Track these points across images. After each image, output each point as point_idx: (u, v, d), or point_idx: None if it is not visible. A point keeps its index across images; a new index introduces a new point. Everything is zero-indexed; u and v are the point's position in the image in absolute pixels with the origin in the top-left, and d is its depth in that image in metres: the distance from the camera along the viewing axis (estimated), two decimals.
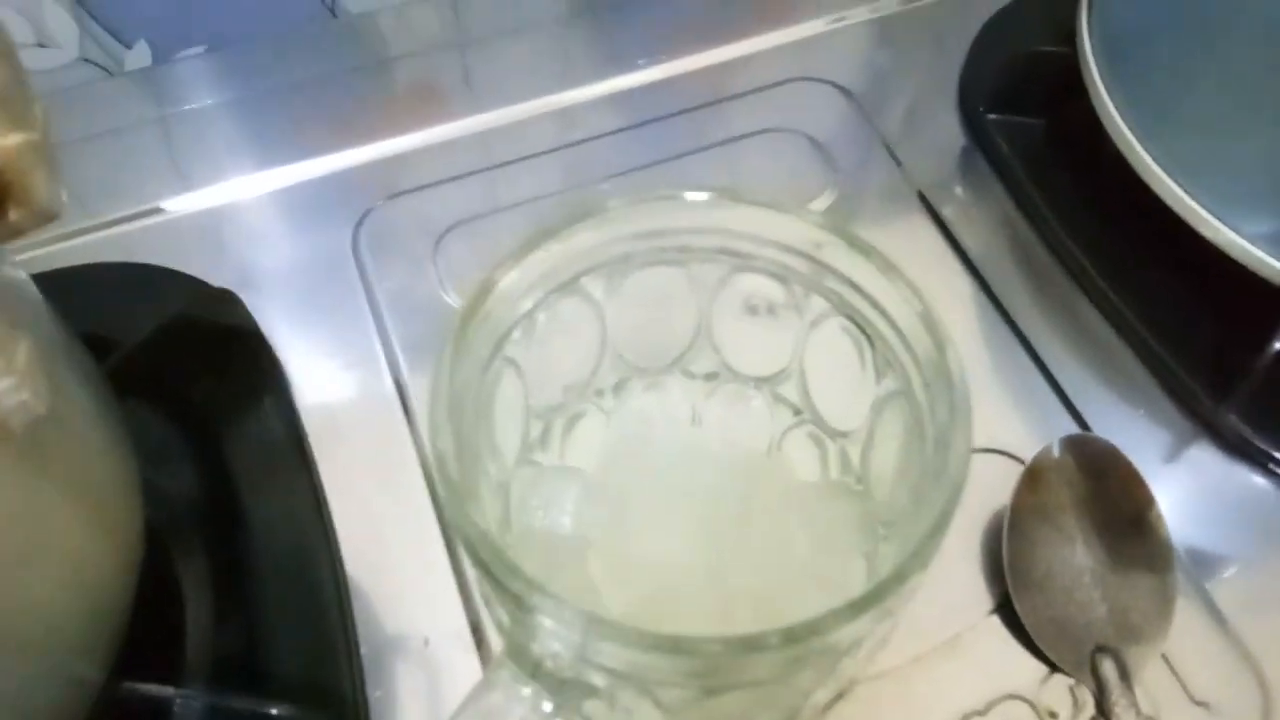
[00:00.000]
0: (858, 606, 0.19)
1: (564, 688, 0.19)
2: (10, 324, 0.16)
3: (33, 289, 0.25)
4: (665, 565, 0.26)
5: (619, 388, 0.28)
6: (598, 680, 0.19)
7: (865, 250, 0.23)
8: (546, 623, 0.18)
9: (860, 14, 0.49)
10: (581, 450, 0.28)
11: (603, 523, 0.27)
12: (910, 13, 0.49)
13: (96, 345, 0.31)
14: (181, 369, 0.35)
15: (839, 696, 0.25)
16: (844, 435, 0.27)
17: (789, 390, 0.28)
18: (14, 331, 0.17)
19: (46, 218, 0.21)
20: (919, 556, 0.19)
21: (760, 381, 0.29)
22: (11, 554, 0.22)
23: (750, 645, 0.18)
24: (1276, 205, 0.33)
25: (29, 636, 0.23)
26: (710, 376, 0.29)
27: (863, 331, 0.24)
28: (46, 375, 0.18)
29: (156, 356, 0.34)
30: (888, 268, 0.23)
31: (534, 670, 0.19)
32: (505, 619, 0.20)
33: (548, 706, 0.19)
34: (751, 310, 0.26)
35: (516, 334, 0.24)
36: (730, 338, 0.28)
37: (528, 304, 0.24)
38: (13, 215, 0.20)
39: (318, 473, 0.34)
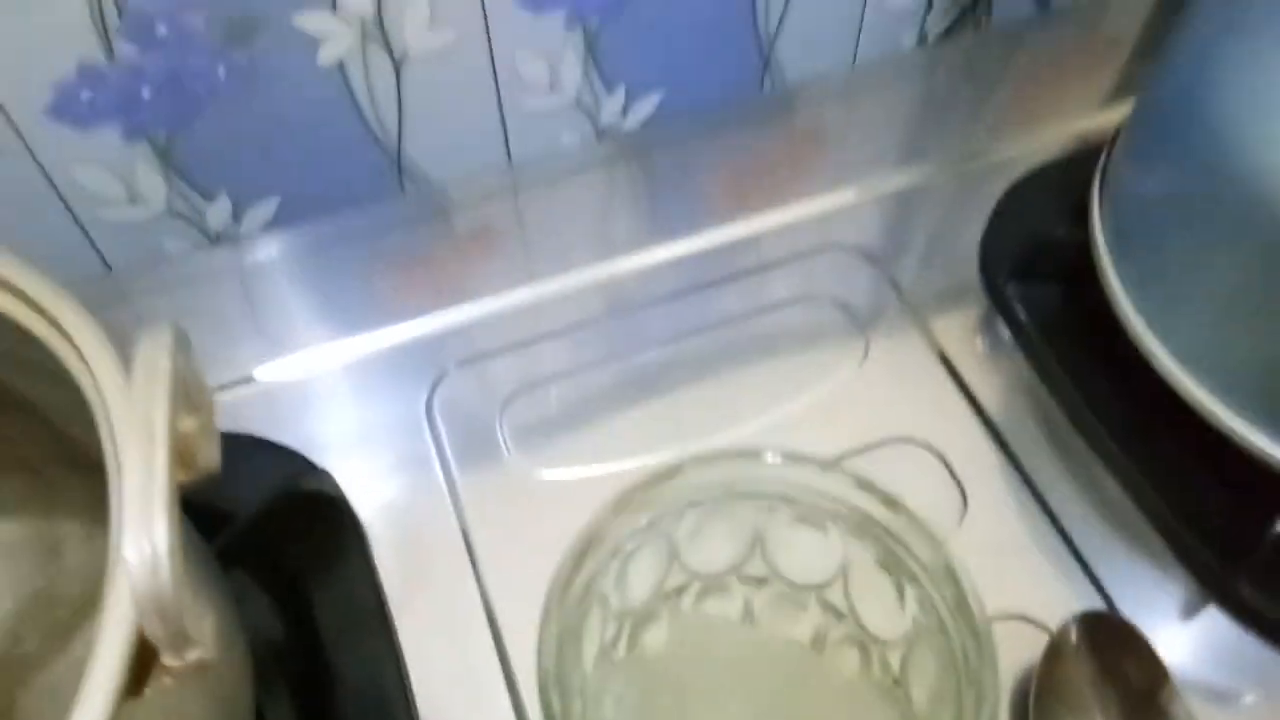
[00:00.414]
0: None
1: None
2: (201, 607, 0.20)
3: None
4: None
5: (682, 590, 0.32)
6: None
7: (894, 505, 0.27)
8: None
9: (888, 185, 0.53)
10: (649, 646, 0.31)
11: (666, 710, 0.30)
12: (934, 185, 0.53)
13: (202, 512, 0.35)
14: (273, 535, 0.39)
15: None
16: (885, 643, 0.30)
17: (835, 596, 0.31)
18: (206, 613, 0.20)
19: (207, 474, 0.24)
20: None
21: (808, 587, 0.32)
22: None
23: None
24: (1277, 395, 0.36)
25: None
26: (761, 581, 0.32)
27: (900, 570, 0.28)
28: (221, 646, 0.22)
29: (262, 530, 0.38)
30: (914, 522, 0.27)
31: None
32: None
33: None
34: (803, 520, 0.30)
35: (608, 575, 0.28)
36: (783, 546, 0.31)
37: (615, 550, 0.28)
38: (183, 477, 0.23)
39: (396, 633, 0.37)
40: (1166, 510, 0.39)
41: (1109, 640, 0.34)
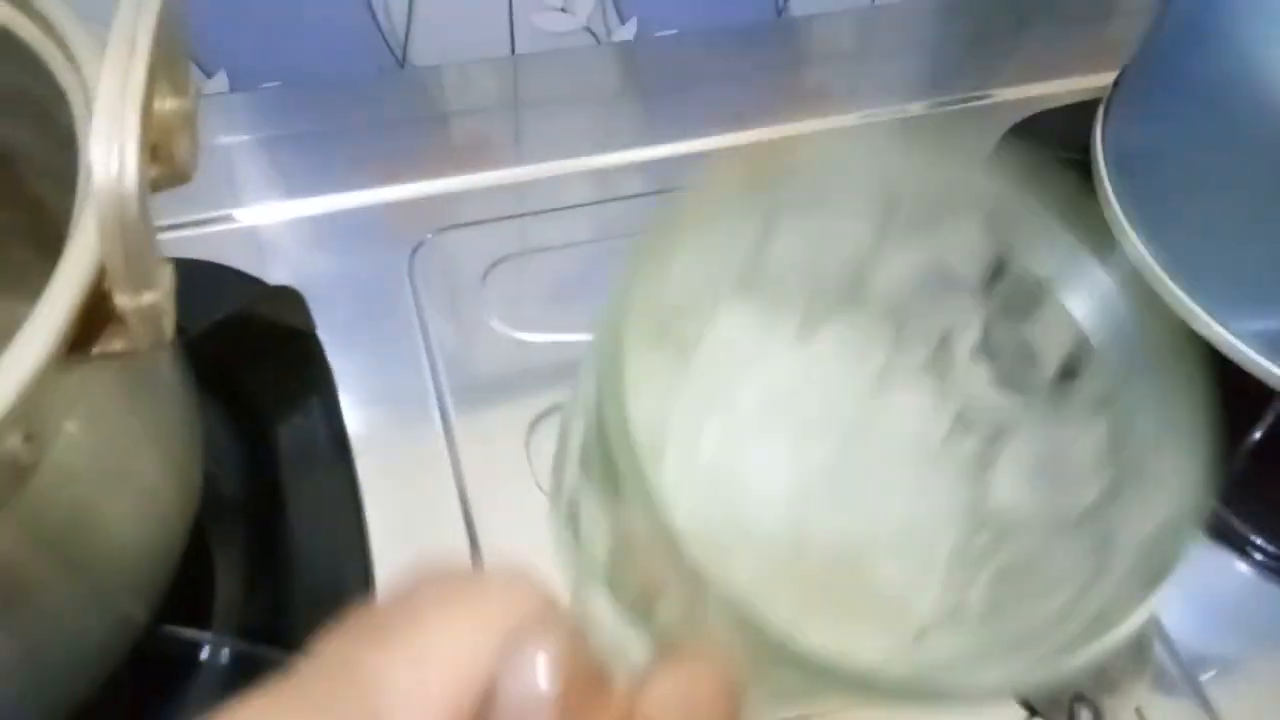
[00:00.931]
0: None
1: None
2: (158, 250, 0.19)
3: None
4: (744, 483, 0.24)
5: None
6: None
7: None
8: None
9: (888, 113, 0.53)
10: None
11: (687, 420, 0.24)
12: (937, 115, 0.53)
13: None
14: (241, 360, 0.38)
15: None
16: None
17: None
18: (162, 258, 0.19)
19: (182, 178, 0.23)
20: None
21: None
22: (100, 476, 0.24)
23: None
24: (1270, 306, 0.36)
25: (98, 563, 0.25)
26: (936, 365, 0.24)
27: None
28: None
29: (219, 346, 0.37)
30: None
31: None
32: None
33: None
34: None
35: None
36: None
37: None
38: (154, 171, 0.22)
39: (356, 471, 0.36)
40: None
41: None
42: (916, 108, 0.54)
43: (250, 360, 0.38)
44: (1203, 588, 0.37)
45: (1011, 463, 0.23)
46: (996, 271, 0.22)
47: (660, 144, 0.50)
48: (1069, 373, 0.21)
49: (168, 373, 0.27)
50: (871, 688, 0.16)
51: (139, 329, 0.19)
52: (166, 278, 0.19)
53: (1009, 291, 0.22)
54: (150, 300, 0.19)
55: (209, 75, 0.51)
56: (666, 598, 0.17)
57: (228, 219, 0.45)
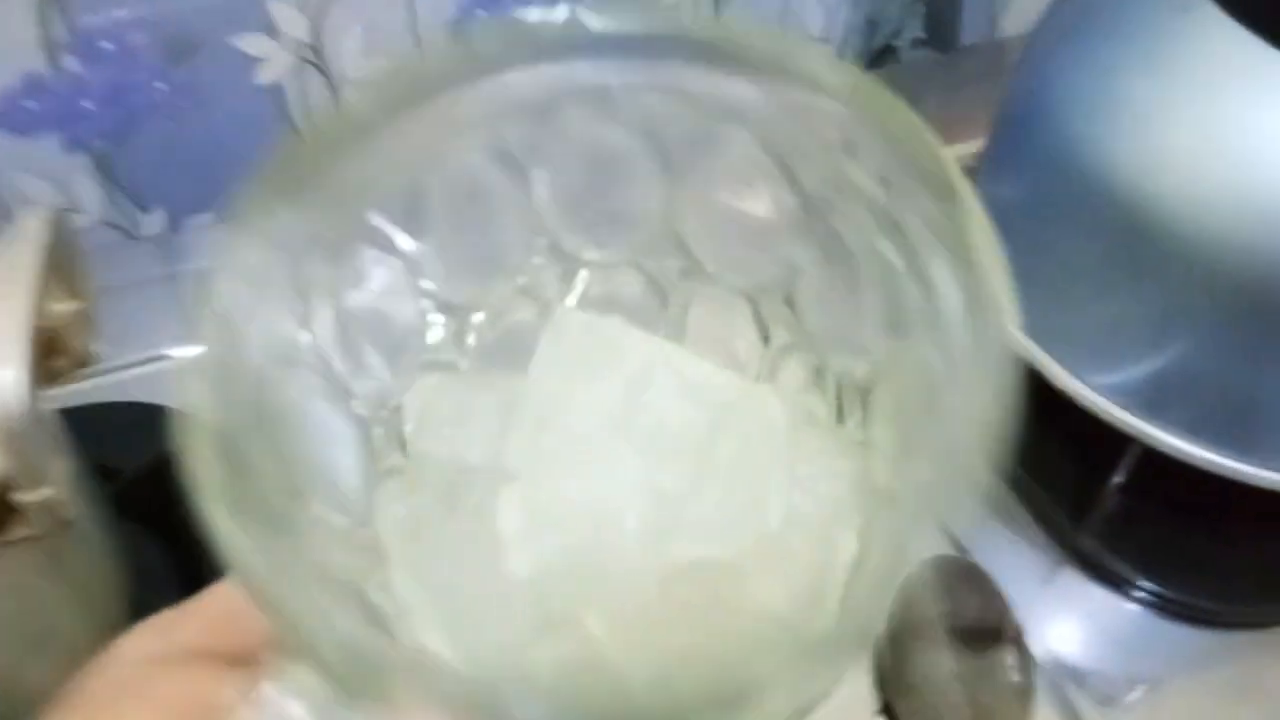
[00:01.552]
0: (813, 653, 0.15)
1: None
2: (52, 448, 0.22)
3: (57, 423, 0.30)
4: (596, 518, 0.21)
5: (562, 279, 0.22)
6: None
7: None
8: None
9: None
10: (508, 357, 0.22)
11: (526, 453, 0.21)
12: None
13: (105, 474, 0.36)
14: (174, 500, 0.40)
15: None
16: (853, 373, 0.21)
17: (780, 304, 0.22)
18: (55, 454, 0.22)
19: (81, 364, 0.26)
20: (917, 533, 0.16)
21: (747, 290, 0.22)
22: (25, 641, 0.26)
23: None
24: (1119, 361, 0.39)
25: None
26: (685, 274, 0.22)
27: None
28: (72, 492, 0.24)
29: (155, 485, 0.39)
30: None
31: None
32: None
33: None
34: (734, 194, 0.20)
35: (392, 193, 0.19)
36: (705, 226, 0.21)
37: (413, 153, 0.18)
38: (59, 362, 0.25)
39: None
40: (1024, 476, 0.42)
41: (958, 580, 0.36)
42: None
43: (185, 498, 0.41)
44: (1090, 627, 0.39)
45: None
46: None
47: None
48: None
49: (89, 533, 0.29)
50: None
51: (39, 519, 0.22)
52: (60, 471, 0.22)
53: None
54: (46, 494, 0.22)
55: (146, 211, 0.54)
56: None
57: (164, 358, 0.48)
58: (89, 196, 0.52)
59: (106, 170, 0.52)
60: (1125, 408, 0.38)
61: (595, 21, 0.18)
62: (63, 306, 0.24)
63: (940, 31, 0.65)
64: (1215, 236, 0.35)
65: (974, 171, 0.47)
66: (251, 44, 0.50)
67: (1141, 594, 0.39)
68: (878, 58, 0.65)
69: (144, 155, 0.51)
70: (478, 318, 0.22)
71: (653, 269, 0.22)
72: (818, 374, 0.22)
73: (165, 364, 0.48)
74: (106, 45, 0.48)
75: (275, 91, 0.52)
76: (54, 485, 0.21)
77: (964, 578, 0.36)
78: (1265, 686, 0.37)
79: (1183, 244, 0.36)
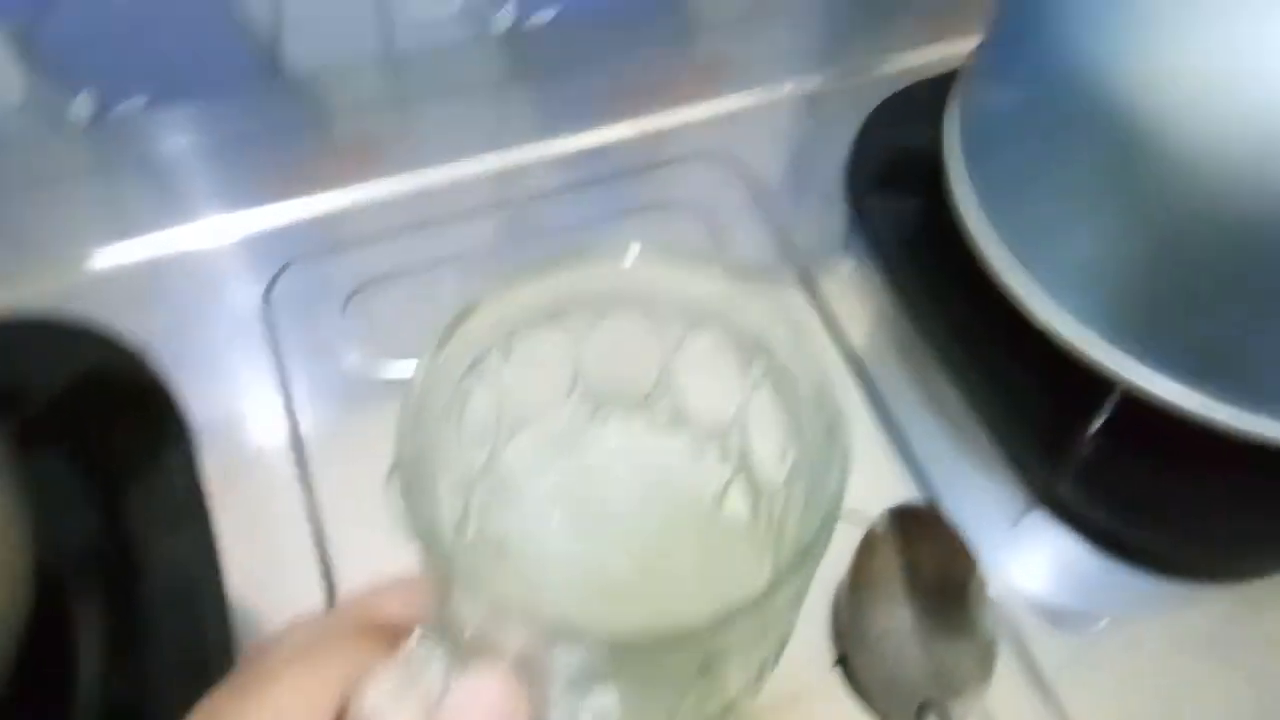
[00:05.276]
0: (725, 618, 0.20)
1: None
2: None
3: None
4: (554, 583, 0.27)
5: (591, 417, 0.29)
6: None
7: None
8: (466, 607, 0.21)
9: (758, 96, 0.52)
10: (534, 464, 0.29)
11: (518, 530, 0.28)
12: (826, 94, 0.53)
13: (9, 397, 0.33)
14: (91, 423, 0.38)
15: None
16: (775, 487, 0.28)
17: (733, 443, 0.29)
18: None
19: None
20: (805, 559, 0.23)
21: (713, 431, 0.29)
22: None
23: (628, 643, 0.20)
24: (1106, 297, 0.36)
25: None
26: (674, 420, 0.29)
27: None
28: None
29: (67, 412, 0.36)
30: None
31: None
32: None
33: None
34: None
35: (493, 353, 0.26)
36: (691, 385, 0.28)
37: (506, 328, 0.26)
38: None
39: (213, 527, 0.36)
40: (999, 418, 0.40)
41: (920, 532, 0.34)
42: (813, 82, 0.53)
43: (101, 420, 0.38)
44: (1053, 571, 0.38)
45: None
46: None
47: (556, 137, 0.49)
48: None
49: None
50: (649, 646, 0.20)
51: None
52: None
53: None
54: None
55: (73, 94, 0.50)
56: (457, 615, 0.21)
57: (74, 266, 0.44)
58: (6, 77, 0.47)
59: (26, 47, 0.47)
60: (1111, 343, 0.36)
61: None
62: None
63: None
64: (1220, 160, 0.32)
65: (966, 71, 0.43)
66: None
67: (1113, 541, 0.38)
68: None
69: (68, 30, 0.46)
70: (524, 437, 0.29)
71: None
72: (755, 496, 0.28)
73: (88, 270, 0.44)
74: None
75: None
76: None
77: (926, 528, 0.34)
78: (1233, 638, 0.36)
79: (1184, 166, 0.33)
